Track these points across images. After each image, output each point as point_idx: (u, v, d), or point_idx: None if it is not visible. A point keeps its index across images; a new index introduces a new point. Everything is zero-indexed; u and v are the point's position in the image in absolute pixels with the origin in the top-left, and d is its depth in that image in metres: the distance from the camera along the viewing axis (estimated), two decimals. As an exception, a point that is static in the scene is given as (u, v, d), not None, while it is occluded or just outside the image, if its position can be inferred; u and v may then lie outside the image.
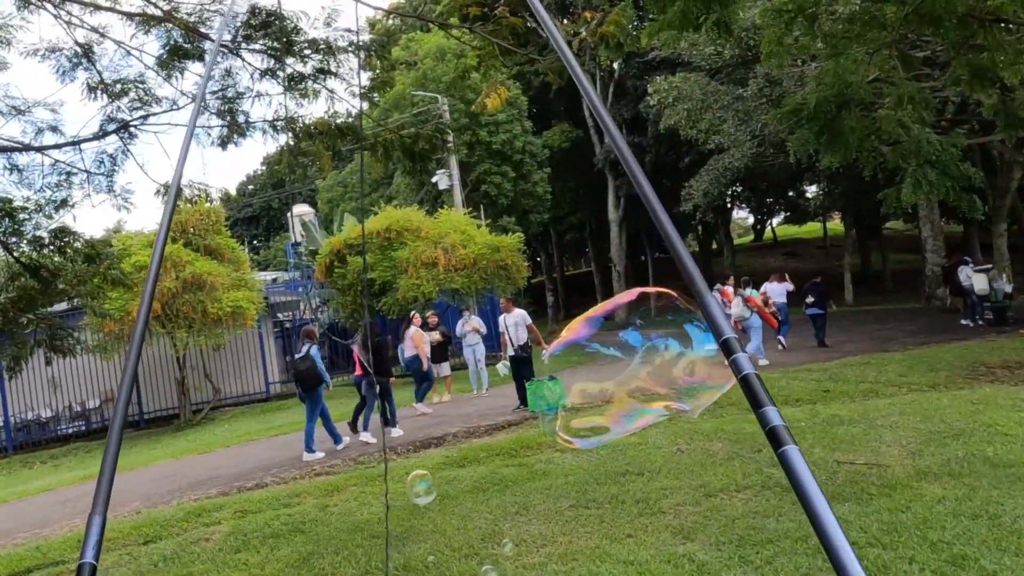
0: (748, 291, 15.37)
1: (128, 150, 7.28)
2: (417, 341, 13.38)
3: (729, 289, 15.89)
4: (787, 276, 17.74)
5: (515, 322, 12.29)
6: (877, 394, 10.35)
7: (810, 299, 16.95)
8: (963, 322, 18.77)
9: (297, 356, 10.67)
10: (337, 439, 10.89)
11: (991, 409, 8.13)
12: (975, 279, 18.39)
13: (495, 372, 15.65)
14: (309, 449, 10.54)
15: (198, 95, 2.39)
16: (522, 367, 12.07)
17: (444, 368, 15.01)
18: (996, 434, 7.08)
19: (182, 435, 17.18)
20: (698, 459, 7.21)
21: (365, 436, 11.19)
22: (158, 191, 7.99)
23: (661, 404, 3.12)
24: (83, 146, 7.03)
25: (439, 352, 14.78)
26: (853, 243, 33.76)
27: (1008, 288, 18.62)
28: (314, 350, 10.62)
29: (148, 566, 6.20)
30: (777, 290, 16.75)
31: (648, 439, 8.20)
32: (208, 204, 19.27)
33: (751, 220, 54.83)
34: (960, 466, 6.19)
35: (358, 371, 11.90)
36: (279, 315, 25.38)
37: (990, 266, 19.70)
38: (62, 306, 11.88)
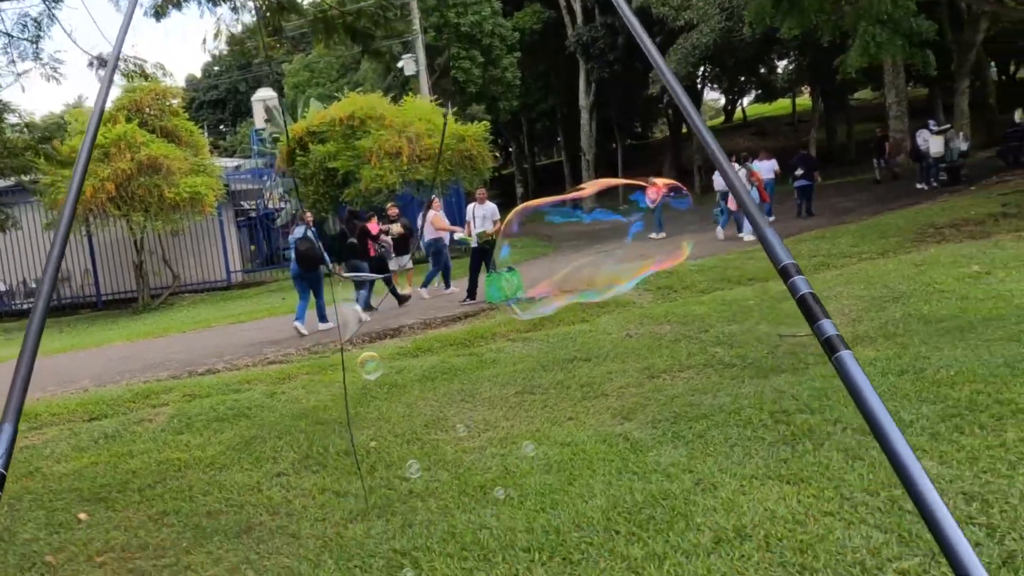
0: (752, 164, 15.23)
1: (54, 15, 6.80)
2: (438, 223, 13.49)
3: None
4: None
5: (484, 215, 12.20)
6: (828, 267, 10.34)
7: (799, 171, 17.03)
8: (918, 186, 18.74)
9: (294, 238, 11.19)
10: (324, 319, 11.16)
11: (933, 269, 8.33)
12: (931, 141, 18.20)
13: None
14: (323, 319, 11.10)
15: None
16: (484, 258, 11.98)
17: (406, 261, 14.82)
18: (933, 292, 7.30)
19: (139, 319, 17.02)
20: (646, 343, 7.23)
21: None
22: (91, 63, 7.56)
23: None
24: (3, 6, 6.54)
25: (401, 245, 14.54)
26: (820, 117, 33.13)
27: (964, 146, 18.50)
28: (310, 232, 11.08)
29: (88, 442, 6.14)
30: (765, 167, 16.71)
31: (599, 326, 8.19)
32: (163, 83, 18.44)
33: (722, 101, 54.06)
34: (896, 327, 6.37)
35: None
36: (243, 203, 24.84)
37: (948, 126, 19.24)
38: (8, 183, 11.47)
